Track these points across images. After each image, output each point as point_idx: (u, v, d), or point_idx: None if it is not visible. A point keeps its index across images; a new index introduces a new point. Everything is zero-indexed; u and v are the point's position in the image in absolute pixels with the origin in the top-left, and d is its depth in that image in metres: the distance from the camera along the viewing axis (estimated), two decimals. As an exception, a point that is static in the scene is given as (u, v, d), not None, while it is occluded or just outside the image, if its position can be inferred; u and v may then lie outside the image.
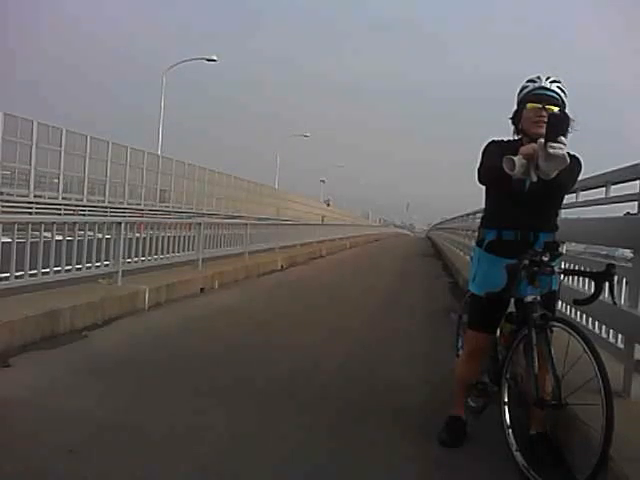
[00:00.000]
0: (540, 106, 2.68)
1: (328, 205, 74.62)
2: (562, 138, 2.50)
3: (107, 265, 6.38)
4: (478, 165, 2.84)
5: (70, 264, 5.72)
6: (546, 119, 2.59)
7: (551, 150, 2.47)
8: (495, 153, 2.71)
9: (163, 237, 7.89)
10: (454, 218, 19.65)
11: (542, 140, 2.51)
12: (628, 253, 3.77)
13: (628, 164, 3.52)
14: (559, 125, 2.52)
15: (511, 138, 2.87)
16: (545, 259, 2.62)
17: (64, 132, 24.90)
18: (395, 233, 70.19)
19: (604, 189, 4.02)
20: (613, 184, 3.90)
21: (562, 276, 2.86)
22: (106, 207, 26.15)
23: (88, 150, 26.57)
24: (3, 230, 4.85)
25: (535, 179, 2.59)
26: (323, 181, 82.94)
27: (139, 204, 29.75)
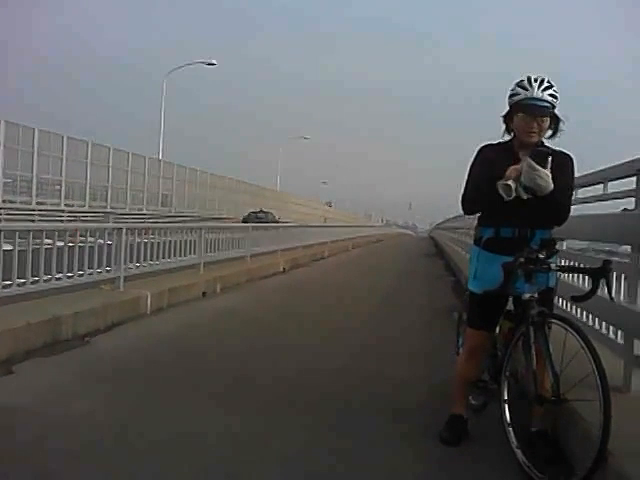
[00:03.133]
0: (531, 118, 2.70)
1: (330, 206, 74.74)
2: (543, 171, 2.60)
3: (109, 271, 6.41)
4: (463, 190, 2.92)
5: (72, 270, 5.75)
6: (536, 129, 2.69)
7: (537, 180, 2.61)
8: (480, 176, 2.80)
9: (165, 242, 7.92)
10: (455, 217, 19.61)
11: (527, 160, 2.62)
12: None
13: (625, 160, 3.52)
14: (540, 159, 2.62)
15: (501, 140, 2.89)
16: (541, 256, 2.64)
17: (65, 139, 24.98)
18: (397, 233, 70.13)
19: (602, 186, 4.02)
20: (610, 181, 3.89)
21: (559, 273, 2.86)
22: (108, 213, 26.16)
23: (89, 156, 26.65)
24: (5, 238, 4.88)
25: (525, 197, 2.67)
26: (325, 182, 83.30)
27: (141, 209, 29.83)
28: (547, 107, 2.67)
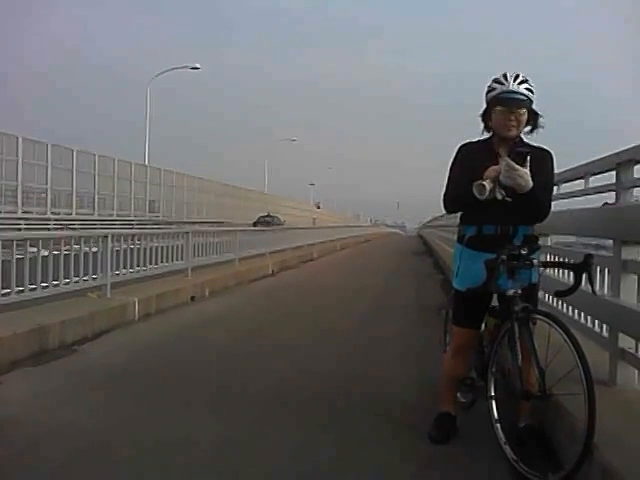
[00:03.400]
0: (509, 110, 2.72)
1: (318, 207, 74.82)
2: (522, 170, 2.62)
3: (95, 278, 6.36)
4: (444, 190, 2.94)
5: (58, 279, 5.70)
6: (515, 123, 2.71)
7: (517, 180, 2.63)
8: (460, 176, 2.82)
9: (152, 247, 7.88)
10: (442, 216, 19.72)
11: (506, 160, 2.63)
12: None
13: (604, 155, 3.55)
14: (519, 159, 2.64)
15: (481, 138, 2.91)
16: (524, 253, 2.65)
17: (49, 147, 24.71)
18: (386, 233, 70.28)
19: (583, 181, 4.05)
20: (592, 175, 3.93)
21: (542, 269, 2.88)
22: (95, 220, 25.99)
23: (75, 164, 26.41)
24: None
25: (500, 197, 2.69)
26: (313, 184, 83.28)
27: (129, 215, 29.63)
28: (523, 100, 2.70)
